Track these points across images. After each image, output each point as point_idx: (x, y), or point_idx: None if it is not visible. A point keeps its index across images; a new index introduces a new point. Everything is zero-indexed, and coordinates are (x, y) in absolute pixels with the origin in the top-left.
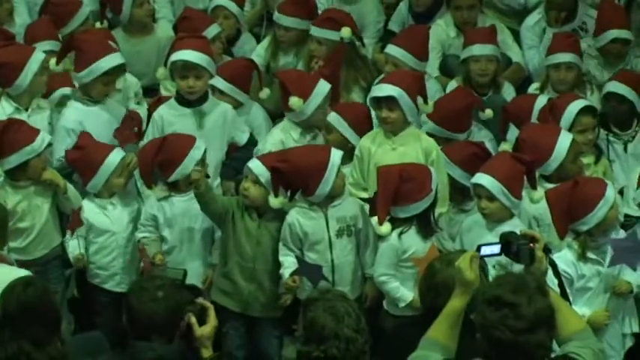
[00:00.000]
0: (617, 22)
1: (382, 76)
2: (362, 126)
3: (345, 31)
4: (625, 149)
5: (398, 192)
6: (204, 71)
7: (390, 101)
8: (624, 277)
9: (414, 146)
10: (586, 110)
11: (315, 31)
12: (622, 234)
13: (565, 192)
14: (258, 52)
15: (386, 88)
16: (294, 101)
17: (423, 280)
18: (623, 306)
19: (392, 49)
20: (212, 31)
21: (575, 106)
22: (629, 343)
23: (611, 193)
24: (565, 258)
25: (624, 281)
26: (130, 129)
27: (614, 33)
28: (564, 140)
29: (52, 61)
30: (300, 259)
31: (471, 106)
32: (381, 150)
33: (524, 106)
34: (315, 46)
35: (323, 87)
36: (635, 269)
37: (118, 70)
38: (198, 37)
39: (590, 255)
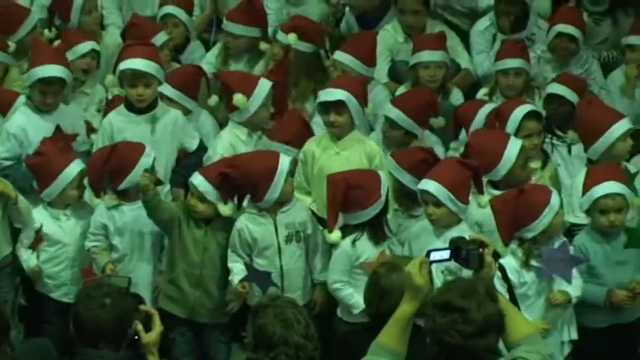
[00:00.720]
0: (564, 18)
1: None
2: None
3: (292, 37)
4: (569, 151)
5: (346, 199)
6: (153, 79)
7: (338, 105)
8: (561, 287)
9: (358, 151)
10: (531, 115)
11: (282, 37)
12: (564, 242)
13: (510, 199)
14: (208, 59)
15: (334, 93)
16: (238, 98)
17: (368, 287)
18: (561, 315)
19: (340, 56)
20: (160, 38)
21: (520, 111)
22: (567, 350)
23: (555, 200)
24: (509, 265)
25: (560, 292)
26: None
27: (559, 27)
28: (513, 146)
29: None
30: (249, 266)
31: (434, 105)
32: (325, 154)
33: (473, 110)
34: (277, 50)
35: (265, 85)
36: (569, 282)
37: (61, 83)
38: (146, 45)
39: (533, 263)
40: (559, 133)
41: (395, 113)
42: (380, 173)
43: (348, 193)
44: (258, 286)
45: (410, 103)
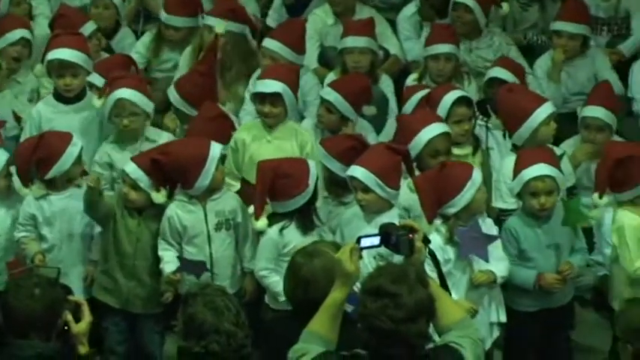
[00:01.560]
0: None
1: (259, 70)
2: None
3: (220, 26)
4: (504, 136)
5: (274, 188)
6: (81, 69)
7: (274, 97)
8: (487, 267)
9: (290, 139)
10: (461, 101)
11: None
12: (488, 222)
13: (432, 176)
14: (137, 48)
15: (271, 84)
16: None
17: (289, 277)
18: (487, 294)
19: (269, 43)
20: (88, 28)
21: (450, 97)
22: (496, 332)
23: (477, 175)
24: (433, 242)
25: (481, 272)
26: None
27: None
28: (427, 133)
29: None
30: (182, 258)
31: (369, 92)
32: (256, 142)
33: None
34: (206, 36)
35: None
36: (486, 261)
37: None
38: (74, 35)
39: (457, 239)
40: (495, 116)
41: (333, 96)
42: (309, 162)
43: (275, 182)
44: (193, 274)
45: (348, 87)
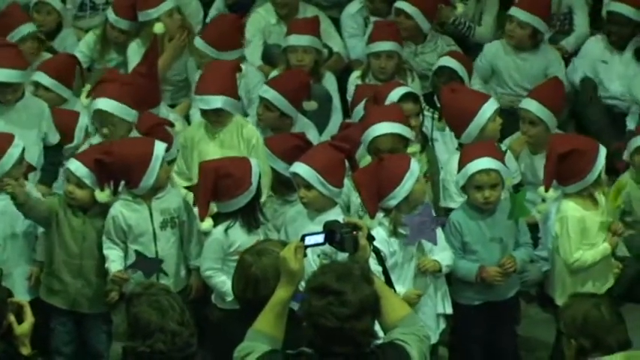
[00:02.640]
0: None
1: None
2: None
3: (158, 27)
4: (450, 128)
5: (217, 188)
6: (18, 85)
7: (218, 110)
8: (433, 256)
9: (237, 134)
10: (407, 97)
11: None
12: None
13: (371, 170)
14: (80, 48)
15: (211, 100)
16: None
17: (238, 276)
18: (434, 284)
19: (198, 43)
20: (25, 29)
21: (396, 94)
22: (442, 324)
23: (415, 166)
24: (378, 235)
25: (430, 259)
26: None
27: (397, 4)
28: (374, 130)
29: None
30: (139, 253)
31: (308, 87)
32: (204, 139)
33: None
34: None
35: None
36: (435, 243)
37: None
38: (9, 48)
39: (401, 231)
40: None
41: (271, 94)
42: (251, 161)
43: (218, 182)
44: (144, 272)
45: (285, 84)
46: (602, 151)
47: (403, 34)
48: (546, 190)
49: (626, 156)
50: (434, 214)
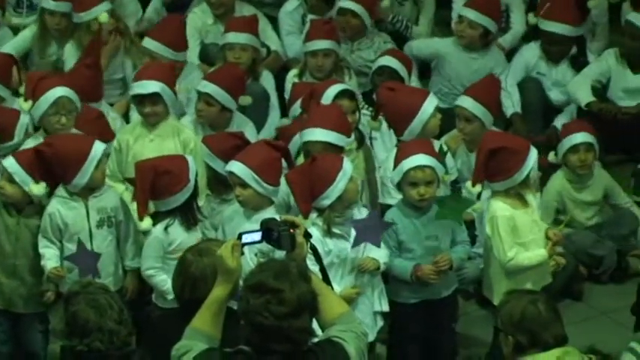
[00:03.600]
0: None
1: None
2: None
3: (103, 17)
4: (389, 126)
5: (155, 186)
6: None
7: (153, 96)
8: (370, 254)
9: (173, 138)
10: (344, 94)
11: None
12: (364, 211)
13: (304, 170)
14: (16, 42)
15: (148, 85)
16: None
17: (178, 274)
18: (371, 282)
19: (147, 43)
20: None
21: (332, 91)
22: (380, 322)
23: (348, 166)
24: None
25: (369, 258)
26: None
27: (341, 3)
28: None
29: None
30: (81, 244)
31: (244, 82)
32: (139, 142)
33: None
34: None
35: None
36: (378, 246)
37: None
38: None
39: (335, 230)
40: None
41: (211, 88)
42: (188, 158)
43: (155, 180)
44: (81, 267)
45: (223, 77)
46: (533, 152)
47: (348, 32)
48: (473, 185)
49: (558, 156)
50: (381, 219)
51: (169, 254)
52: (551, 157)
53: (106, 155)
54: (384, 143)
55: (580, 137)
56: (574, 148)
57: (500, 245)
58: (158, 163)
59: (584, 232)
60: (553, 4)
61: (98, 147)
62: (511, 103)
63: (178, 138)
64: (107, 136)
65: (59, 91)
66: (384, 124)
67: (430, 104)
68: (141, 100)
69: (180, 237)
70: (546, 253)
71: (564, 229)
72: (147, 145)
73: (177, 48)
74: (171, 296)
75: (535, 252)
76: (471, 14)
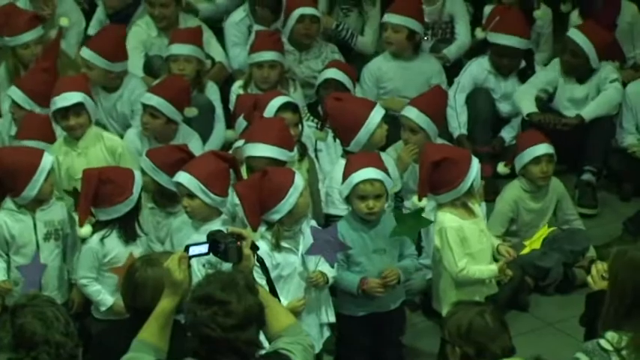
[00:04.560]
0: (300, 2)
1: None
2: None
3: (63, 20)
4: (335, 138)
5: (97, 194)
6: None
7: (77, 107)
8: (319, 268)
9: (99, 147)
10: (287, 106)
11: None
12: (313, 224)
13: (254, 183)
14: None
15: (70, 96)
16: None
17: (123, 280)
18: (319, 296)
19: (85, 52)
20: None
21: (276, 103)
22: (326, 333)
23: (299, 180)
24: (260, 249)
25: (320, 273)
26: None
27: (299, 11)
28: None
29: None
30: (36, 255)
31: (188, 93)
32: (68, 157)
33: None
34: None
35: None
36: (332, 266)
37: None
38: None
39: (284, 244)
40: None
41: (155, 100)
42: (135, 172)
43: (99, 188)
44: (28, 279)
45: (167, 89)
46: (475, 162)
47: (305, 41)
48: (420, 199)
49: (516, 167)
50: (340, 238)
51: (104, 266)
52: (500, 168)
53: (53, 168)
54: (329, 155)
55: (542, 149)
56: (536, 160)
57: (451, 256)
58: (103, 172)
59: None
60: (502, 17)
61: (47, 159)
62: (458, 124)
63: (104, 145)
64: (51, 140)
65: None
66: (330, 135)
67: (377, 114)
68: (64, 114)
69: (116, 249)
70: (497, 269)
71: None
72: (76, 158)
73: (113, 58)
74: (104, 307)
75: (487, 266)
76: (393, 18)
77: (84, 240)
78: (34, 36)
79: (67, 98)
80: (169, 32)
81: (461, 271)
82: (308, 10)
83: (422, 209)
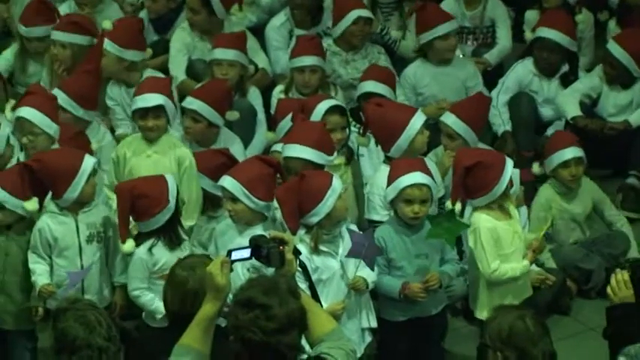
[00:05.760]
0: (354, 3)
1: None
2: None
3: (106, 23)
4: (376, 143)
5: (134, 209)
6: None
7: (156, 110)
8: (359, 273)
9: (169, 154)
10: (334, 109)
11: (59, 35)
12: (353, 228)
13: (293, 187)
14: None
15: (152, 98)
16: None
17: (172, 292)
18: (359, 301)
19: (107, 44)
20: None
21: (323, 106)
22: (368, 338)
23: (337, 183)
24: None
25: (360, 277)
26: None
27: (355, 13)
28: (285, 151)
29: None
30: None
31: (230, 97)
32: (136, 157)
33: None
34: (58, 50)
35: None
36: (372, 269)
37: None
38: None
39: (323, 248)
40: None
41: (197, 104)
42: (168, 178)
43: (135, 203)
44: (71, 280)
45: (209, 93)
46: (509, 163)
47: (357, 43)
48: (453, 204)
49: (546, 170)
50: (377, 243)
51: (154, 274)
52: (535, 168)
53: (94, 170)
54: (371, 160)
55: (570, 152)
56: (565, 164)
57: (484, 257)
58: (135, 186)
59: (573, 247)
60: (551, 14)
61: (88, 161)
62: (501, 121)
63: (174, 155)
64: (85, 149)
65: (21, 112)
66: (372, 141)
67: (417, 121)
68: (144, 114)
69: (165, 257)
70: (528, 263)
71: (547, 244)
72: (144, 160)
73: (126, 45)
74: (159, 315)
75: (518, 264)
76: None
77: (129, 254)
78: (42, 33)
79: (148, 99)
80: (212, 36)
81: (494, 272)
82: (364, 13)
83: (453, 211)
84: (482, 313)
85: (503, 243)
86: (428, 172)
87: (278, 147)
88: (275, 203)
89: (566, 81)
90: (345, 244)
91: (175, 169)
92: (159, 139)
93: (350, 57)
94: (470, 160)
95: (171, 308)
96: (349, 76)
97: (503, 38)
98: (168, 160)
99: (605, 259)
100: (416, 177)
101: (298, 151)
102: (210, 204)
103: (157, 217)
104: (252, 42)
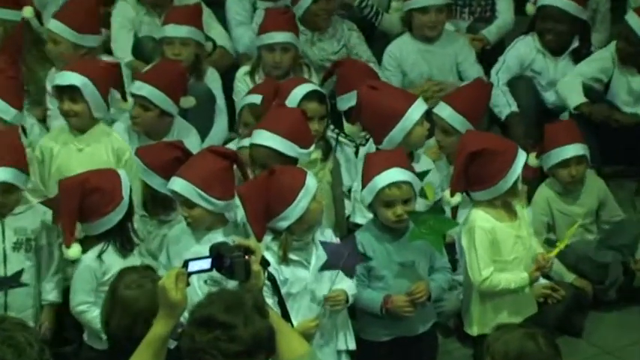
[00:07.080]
0: None
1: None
2: None
3: (27, 11)
4: (356, 154)
5: (83, 207)
6: None
7: (73, 91)
8: (338, 285)
9: (105, 146)
10: (312, 95)
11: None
12: (328, 234)
13: (259, 184)
14: None
15: (69, 77)
16: None
17: (121, 314)
18: (335, 319)
19: (51, 24)
20: None
21: (300, 90)
22: None
23: (311, 182)
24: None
25: (340, 290)
26: None
27: None
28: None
29: None
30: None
31: (185, 81)
32: (65, 150)
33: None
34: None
35: None
36: (351, 277)
37: None
38: None
39: (293, 256)
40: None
41: (147, 90)
42: (120, 172)
43: (84, 200)
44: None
45: (161, 76)
46: (522, 156)
47: (321, 23)
48: (452, 195)
49: (544, 167)
50: (358, 249)
51: (102, 286)
52: (531, 160)
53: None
54: (348, 171)
55: (571, 150)
56: (564, 163)
57: (475, 261)
58: (86, 180)
59: (585, 241)
60: None
61: None
62: (506, 101)
63: (111, 147)
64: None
65: None
66: (352, 150)
67: (417, 110)
68: (60, 94)
69: (117, 265)
70: (527, 276)
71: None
72: (74, 155)
73: (83, 30)
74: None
75: (515, 274)
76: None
77: (74, 261)
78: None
79: (65, 77)
80: (163, 10)
81: (484, 280)
82: None
83: (440, 207)
84: (471, 328)
85: (501, 248)
86: (406, 165)
87: (246, 142)
88: (237, 201)
89: (579, 57)
90: (319, 253)
91: (114, 163)
92: (86, 129)
93: (316, 37)
94: (477, 144)
95: (116, 332)
96: (316, 57)
97: (504, 12)
98: (104, 152)
99: (620, 252)
100: (393, 174)
101: (265, 138)
102: (161, 206)
103: (110, 217)
104: (207, 15)
